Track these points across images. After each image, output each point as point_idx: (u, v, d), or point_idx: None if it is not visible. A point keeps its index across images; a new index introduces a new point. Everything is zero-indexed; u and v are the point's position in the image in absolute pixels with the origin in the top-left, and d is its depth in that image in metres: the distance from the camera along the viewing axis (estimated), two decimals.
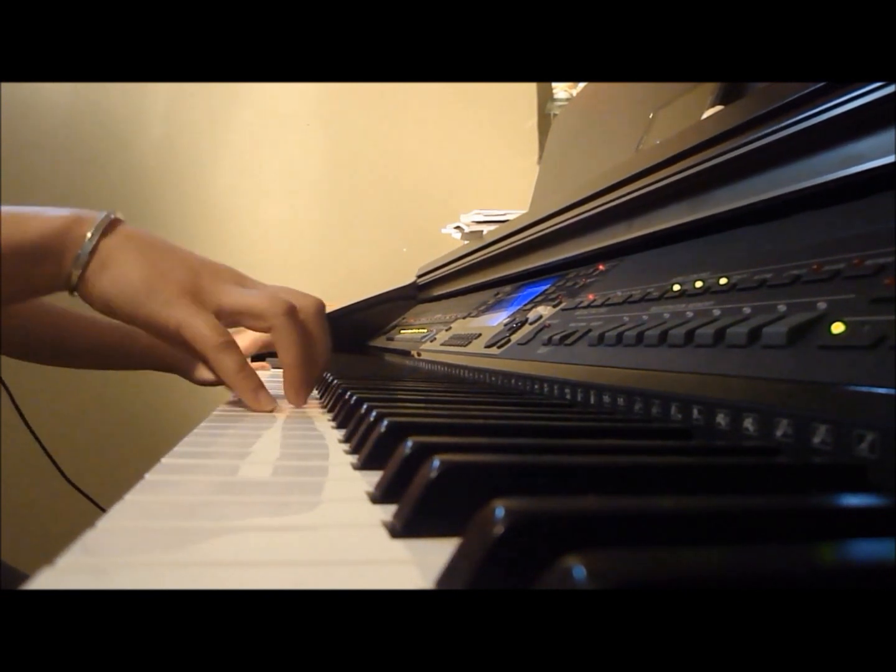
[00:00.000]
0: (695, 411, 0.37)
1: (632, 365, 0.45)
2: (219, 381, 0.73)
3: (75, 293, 0.60)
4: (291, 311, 0.61)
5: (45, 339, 0.92)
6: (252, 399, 0.61)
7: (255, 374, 0.62)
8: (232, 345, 0.60)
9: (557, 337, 0.58)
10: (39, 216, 0.58)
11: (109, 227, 0.60)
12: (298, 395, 0.63)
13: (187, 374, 1.00)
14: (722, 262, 0.48)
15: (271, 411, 0.62)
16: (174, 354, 0.93)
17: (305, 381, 0.64)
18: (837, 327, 0.31)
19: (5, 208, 0.58)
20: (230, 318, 0.62)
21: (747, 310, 0.39)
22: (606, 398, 0.47)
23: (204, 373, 0.96)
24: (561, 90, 2.14)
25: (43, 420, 1.05)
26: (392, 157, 2.19)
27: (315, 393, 0.81)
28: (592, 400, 0.49)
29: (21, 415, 0.98)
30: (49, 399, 1.82)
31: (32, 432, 1.01)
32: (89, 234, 0.58)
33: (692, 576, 0.15)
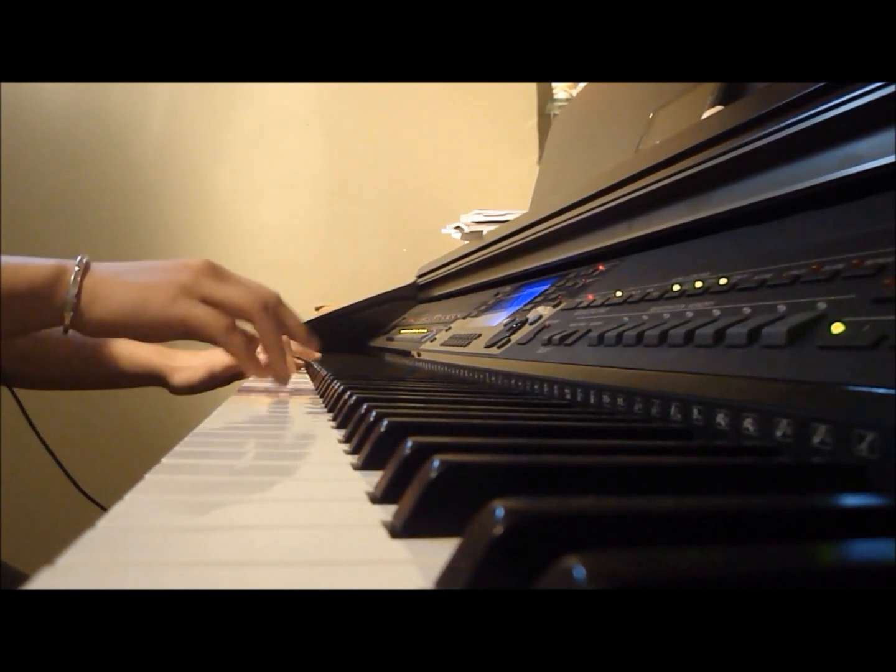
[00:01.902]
0: (695, 411, 0.37)
1: (632, 365, 0.45)
2: (196, 390, 0.82)
3: (69, 330, 0.68)
4: (267, 305, 0.71)
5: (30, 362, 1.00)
6: (260, 370, 0.71)
7: (255, 357, 0.72)
8: (234, 327, 0.68)
9: (557, 337, 0.58)
10: (30, 266, 0.67)
11: (85, 269, 0.67)
12: (283, 372, 0.74)
13: (166, 384, 1.05)
14: (722, 262, 0.48)
15: (284, 378, 0.73)
16: (150, 364, 1.03)
17: (283, 360, 0.74)
18: (837, 327, 0.31)
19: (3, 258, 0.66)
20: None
21: (747, 310, 0.39)
22: (606, 398, 0.47)
23: (180, 380, 1.04)
24: (561, 90, 2.14)
25: (43, 420, 1.05)
26: (392, 157, 2.19)
27: (315, 392, 0.81)
28: (592, 400, 0.49)
29: (25, 414, 0.98)
30: (50, 399, 1.82)
31: (37, 433, 1.01)
32: (72, 278, 0.66)
33: (692, 576, 0.15)
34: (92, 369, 1.02)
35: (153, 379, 1.05)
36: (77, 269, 0.66)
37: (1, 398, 1.01)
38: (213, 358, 1.03)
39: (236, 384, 1.04)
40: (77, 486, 1.06)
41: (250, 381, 0.98)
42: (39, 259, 0.67)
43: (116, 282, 0.67)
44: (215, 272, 0.70)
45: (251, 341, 0.71)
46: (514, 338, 0.71)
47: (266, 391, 0.85)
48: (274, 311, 0.72)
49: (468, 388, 0.68)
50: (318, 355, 1.11)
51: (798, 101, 0.44)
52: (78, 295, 0.66)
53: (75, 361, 1.01)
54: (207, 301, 0.68)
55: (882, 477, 0.26)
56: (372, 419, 0.41)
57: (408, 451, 0.30)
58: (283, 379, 0.74)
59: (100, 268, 0.68)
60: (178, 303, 0.66)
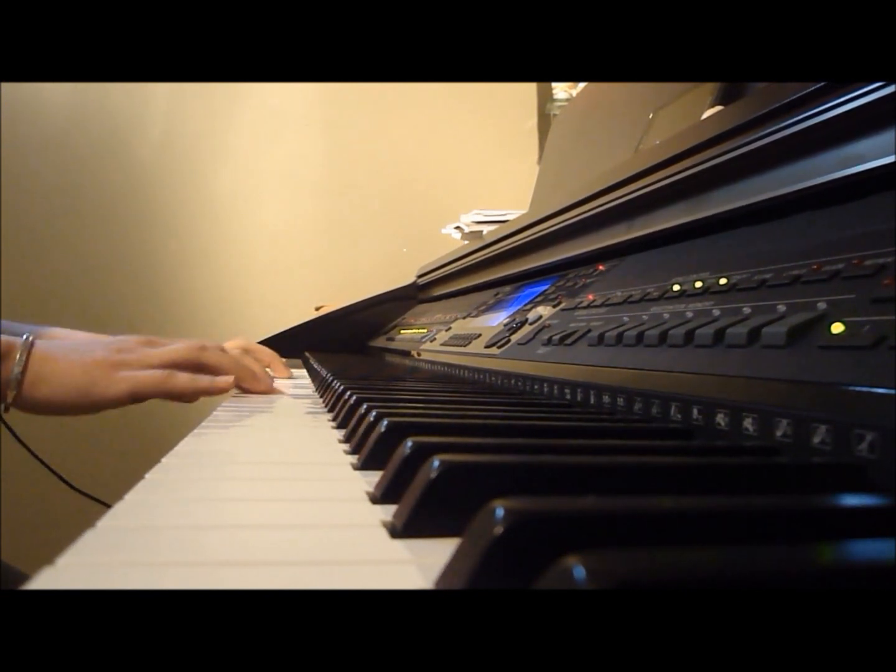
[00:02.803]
0: (695, 411, 0.37)
1: (632, 365, 0.45)
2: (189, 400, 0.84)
3: (7, 411, 0.69)
4: (205, 346, 0.77)
5: None
6: (213, 387, 0.74)
7: (203, 377, 0.74)
8: (173, 373, 0.72)
9: (557, 337, 0.58)
10: None
11: (31, 347, 0.68)
12: (257, 382, 0.81)
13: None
14: (722, 262, 0.48)
15: (228, 387, 0.76)
16: None
17: (257, 375, 0.81)
18: (837, 327, 0.31)
19: None
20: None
21: (747, 310, 0.39)
22: (606, 398, 0.47)
23: None
24: (561, 90, 2.14)
25: (44, 419, 1.05)
26: (392, 157, 2.19)
27: (315, 393, 0.81)
28: (592, 400, 0.49)
29: (10, 429, 0.98)
30: None
31: (22, 442, 1.01)
32: (18, 356, 0.66)
33: (692, 576, 0.15)
34: None
35: None
36: (23, 347, 0.67)
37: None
38: None
39: None
40: (71, 486, 1.05)
41: None
42: None
43: (60, 362, 0.69)
44: (151, 340, 0.76)
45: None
46: (514, 338, 0.71)
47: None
48: (215, 347, 0.79)
49: (468, 388, 0.68)
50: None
51: (798, 101, 0.44)
52: (23, 372, 0.67)
53: None
54: (149, 367, 0.71)
55: (882, 477, 0.26)
56: (372, 419, 0.41)
57: (408, 451, 0.30)
58: (269, 388, 0.81)
59: (43, 347, 0.69)
60: (119, 379, 0.69)
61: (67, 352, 0.71)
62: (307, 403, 0.73)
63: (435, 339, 1.05)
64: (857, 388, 0.28)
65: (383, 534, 0.26)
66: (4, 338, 0.67)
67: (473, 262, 1.23)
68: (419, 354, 1.08)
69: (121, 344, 0.73)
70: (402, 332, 1.39)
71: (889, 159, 0.38)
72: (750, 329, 0.36)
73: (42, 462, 1.02)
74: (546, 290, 0.81)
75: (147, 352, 0.73)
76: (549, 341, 0.60)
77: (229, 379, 0.75)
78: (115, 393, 0.69)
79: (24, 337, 0.68)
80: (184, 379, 0.71)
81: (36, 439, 1.07)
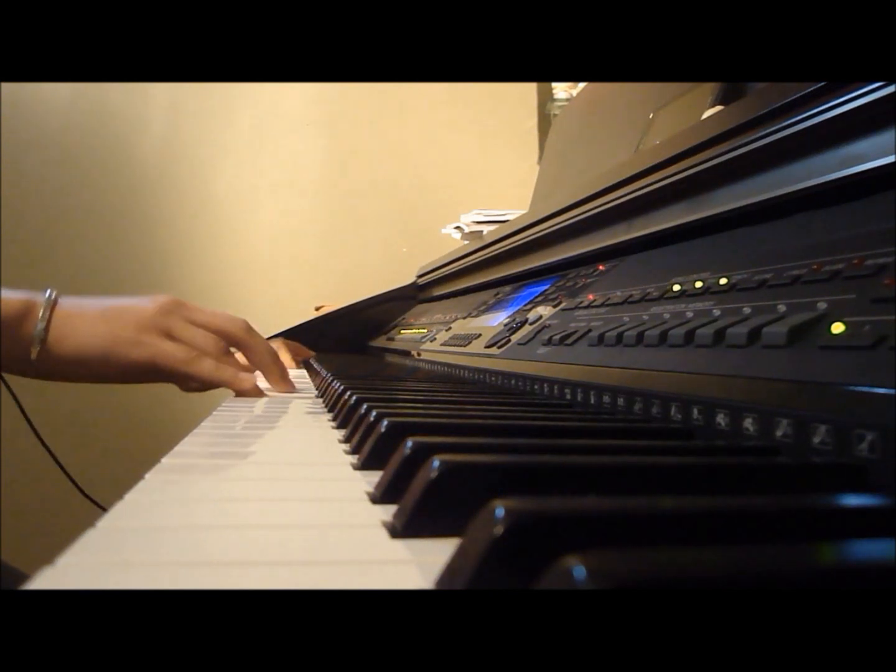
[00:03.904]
0: (695, 411, 0.37)
1: (632, 365, 0.45)
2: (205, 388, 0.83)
3: (31, 370, 0.67)
4: (249, 327, 0.74)
5: None
6: (236, 382, 0.70)
7: (230, 366, 0.71)
8: (201, 355, 0.69)
9: (557, 337, 0.58)
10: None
11: (54, 303, 0.67)
12: (285, 383, 0.77)
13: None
14: (722, 262, 0.48)
15: (251, 389, 0.71)
16: None
17: (283, 371, 0.77)
18: (837, 327, 0.31)
19: None
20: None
21: (747, 310, 0.39)
22: (606, 398, 0.47)
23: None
24: (561, 90, 2.14)
25: (42, 419, 1.05)
26: (392, 157, 2.19)
27: (315, 393, 0.81)
28: (592, 400, 0.49)
29: (24, 413, 0.98)
30: (49, 398, 1.82)
31: (36, 433, 1.01)
32: (41, 313, 0.65)
33: (692, 576, 0.15)
34: None
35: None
36: (46, 303, 0.66)
37: (1, 397, 1.01)
38: None
39: None
40: (78, 488, 1.06)
41: None
42: (7, 291, 0.67)
43: (85, 318, 0.67)
44: (180, 306, 0.71)
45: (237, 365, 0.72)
46: (514, 338, 0.71)
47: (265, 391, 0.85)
48: (261, 338, 0.75)
49: (468, 388, 0.68)
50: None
51: (798, 101, 0.44)
52: (46, 329, 0.65)
53: None
54: (174, 337, 0.68)
55: (882, 477, 0.26)
56: (372, 419, 0.41)
57: (408, 451, 0.30)
58: (284, 390, 0.76)
59: (68, 303, 0.68)
60: (144, 342, 0.66)
61: (91, 308, 0.68)
62: (307, 403, 0.73)
63: (435, 339, 1.05)
64: (858, 388, 0.28)
65: (383, 534, 0.26)
66: (25, 294, 0.66)
67: (473, 262, 1.23)
68: (419, 354, 1.08)
69: (147, 309, 0.69)
70: (402, 332, 1.39)
71: (889, 159, 0.38)
72: (750, 329, 0.36)
73: (54, 458, 1.02)
74: (546, 290, 0.81)
75: (174, 322, 0.69)
76: (549, 341, 0.60)
77: (252, 381, 0.72)
78: (136, 356, 0.66)
79: (48, 293, 0.66)
80: (208, 366, 0.68)
81: (36, 439, 1.07)
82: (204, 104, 2.12)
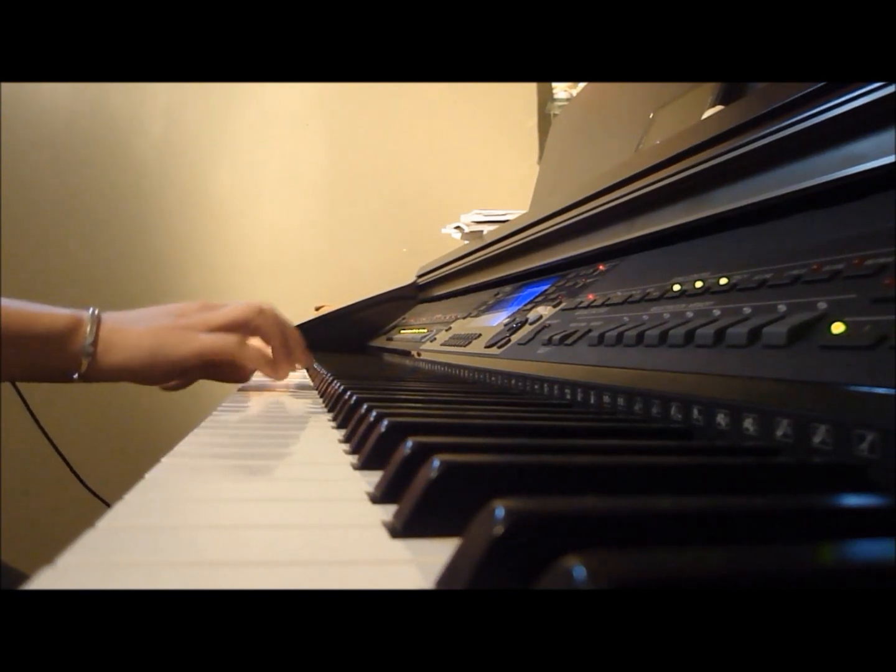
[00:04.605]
0: (695, 411, 0.37)
1: (632, 365, 0.45)
2: (180, 386, 0.85)
3: (77, 378, 0.72)
4: (262, 310, 0.79)
5: None
6: (280, 372, 0.79)
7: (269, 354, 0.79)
8: (245, 343, 0.74)
9: (557, 337, 0.58)
10: (46, 314, 0.71)
11: (99, 319, 0.72)
12: (281, 370, 0.80)
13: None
14: (722, 262, 0.48)
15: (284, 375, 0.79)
16: None
17: (286, 360, 0.81)
18: (837, 327, 0.31)
19: (18, 303, 0.71)
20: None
21: (747, 310, 0.39)
22: (606, 398, 0.47)
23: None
24: (561, 90, 2.14)
25: (45, 419, 1.05)
26: (392, 156, 2.19)
27: (315, 393, 0.81)
28: (592, 400, 0.49)
29: (32, 413, 0.99)
30: (51, 397, 1.82)
31: (45, 432, 1.01)
32: (88, 329, 0.71)
33: (692, 576, 0.15)
34: None
35: None
36: (91, 318, 0.71)
37: (1, 398, 1.01)
38: None
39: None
40: (85, 485, 1.06)
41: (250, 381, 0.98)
42: (53, 308, 0.72)
43: (129, 330, 0.73)
44: (209, 305, 0.77)
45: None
46: (515, 338, 0.71)
47: (266, 390, 0.85)
48: (272, 313, 0.79)
49: (468, 388, 0.68)
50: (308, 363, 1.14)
51: (798, 101, 0.44)
52: (94, 343, 0.71)
53: None
54: (211, 329, 0.74)
55: (882, 477, 0.26)
56: (372, 419, 0.41)
57: (408, 451, 0.30)
58: (278, 378, 0.80)
59: (111, 317, 0.73)
60: (187, 340, 0.72)
61: (134, 319, 0.74)
62: (307, 403, 0.73)
63: (435, 339, 1.05)
64: (858, 388, 0.28)
65: (383, 534, 0.26)
66: (72, 311, 0.71)
67: (473, 262, 1.23)
68: (419, 354, 1.07)
69: (181, 309, 0.75)
70: (402, 332, 1.39)
71: (889, 159, 0.38)
72: (750, 329, 0.36)
73: (61, 456, 1.02)
74: (546, 290, 0.81)
75: (206, 315, 0.75)
76: (549, 341, 0.60)
77: (285, 376, 0.79)
78: (183, 352, 0.71)
79: (91, 310, 0.72)
80: (254, 353, 0.74)
81: (36, 439, 1.07)
82: (204, 104, 2.12)
